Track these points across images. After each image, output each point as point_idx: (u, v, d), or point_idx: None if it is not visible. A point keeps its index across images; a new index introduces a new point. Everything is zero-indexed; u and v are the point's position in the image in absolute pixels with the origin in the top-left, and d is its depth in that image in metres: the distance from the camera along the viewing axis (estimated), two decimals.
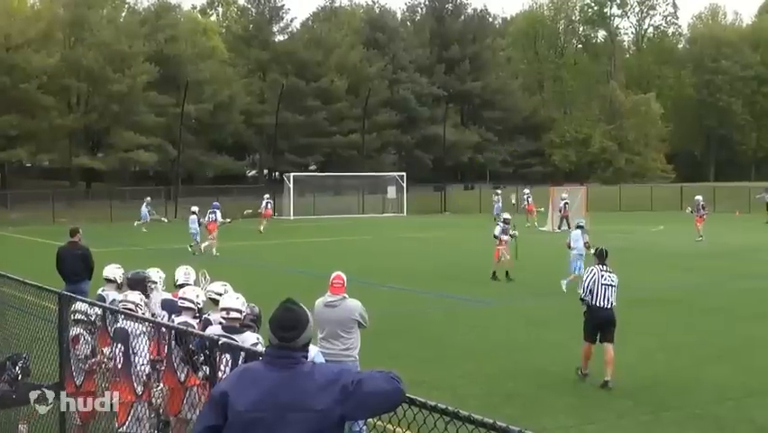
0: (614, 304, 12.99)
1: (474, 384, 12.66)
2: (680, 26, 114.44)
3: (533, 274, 25.35)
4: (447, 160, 77.63)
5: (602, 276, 13.01)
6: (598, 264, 13.28)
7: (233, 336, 7.55)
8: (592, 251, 19.81)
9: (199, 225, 32.86)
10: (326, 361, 9.99)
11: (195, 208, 33.88)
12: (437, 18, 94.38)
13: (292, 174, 61.28)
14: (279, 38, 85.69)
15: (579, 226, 22.20)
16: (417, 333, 16.63)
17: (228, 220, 34.13)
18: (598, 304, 12.91)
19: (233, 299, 8.20)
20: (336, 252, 34.07)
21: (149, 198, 47.55)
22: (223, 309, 8.16)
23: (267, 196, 47.71)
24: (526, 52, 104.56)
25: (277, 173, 74.77)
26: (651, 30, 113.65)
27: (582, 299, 13.19)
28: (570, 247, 21.71)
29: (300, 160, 76.29)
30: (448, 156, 77.82)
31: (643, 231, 43.62)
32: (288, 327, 4.36)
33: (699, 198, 39.45)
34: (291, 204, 58.25)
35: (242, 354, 5.74)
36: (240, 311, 8.06)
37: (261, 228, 43.06)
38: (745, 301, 20.75)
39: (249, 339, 7.64)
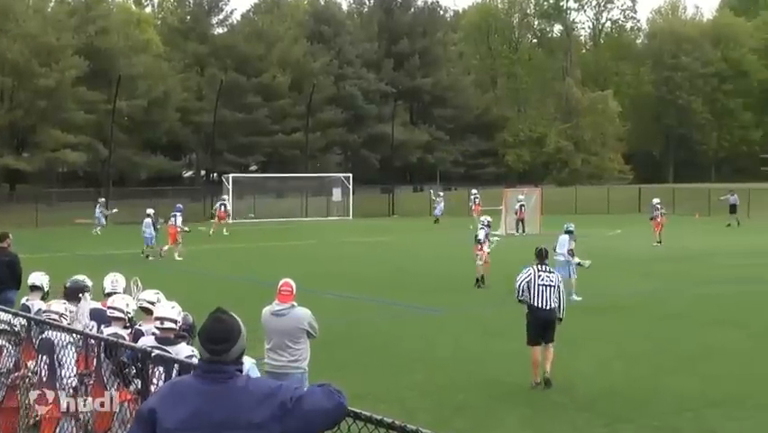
0: (554, 305, 13.36)
1: (423, 396, 12.68)
2: (638, 21, 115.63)
3: (487, 281, 25.49)
4: (395, 160, 77.70)
5: (539, 276, 13.44)
6: (537, 264, 13.70)
7: (167, 348, 7.49)
8: (576, 260, 21.22)
9: (155, 228, 32.94)
10: (274, 374, 9.97)
11: (150, 211, 34.13)
12: (386, 11, 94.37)
13: (231, 175, 60.83)
14: (218, 31, 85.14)
15: (568, 231, 22.32)
16: (363, 343, 16.62)
17: (187, 229, 34.28)
18: (536, 305, 13.32)
19: (168, 309, 8.13)
20: (278, 257, 33.95)
21: (103, 200, 47.37)
22: (156, 319, 8.09)
23: (224, 197, 48.13)
24: (479, 47, 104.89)
25: (215, 174, 74.20)
26: (608, 24, 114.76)
27: (521, 301, 13.59)
28: (554, 251, 21.54)
29: (240, 160, 75.91)
30: (396, 156, 77.89)
31: (599, 235, 43.98)
32: (219, 339, 4.32)
33: (656, 200, 40.03)
34: (230, 207, 57.93)
35: (177, 366, 5.70)
36: (174, 321, 7.99)
37: (211, 232, 43.35)
38: (704, 307, 21.04)
39: (183, 351, 7.58)
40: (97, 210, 45.65)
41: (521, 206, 45.31)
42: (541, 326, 13.36)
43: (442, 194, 56.36)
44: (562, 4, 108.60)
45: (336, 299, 22.17)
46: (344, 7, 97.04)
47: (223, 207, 46.49)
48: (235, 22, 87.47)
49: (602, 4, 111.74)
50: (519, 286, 13.54)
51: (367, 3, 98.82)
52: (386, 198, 69.21)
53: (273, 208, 60.96)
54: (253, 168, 78.83)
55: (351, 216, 61.28)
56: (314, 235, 44.36)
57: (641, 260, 31.52)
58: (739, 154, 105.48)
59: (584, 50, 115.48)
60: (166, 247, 33.12)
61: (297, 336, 10.15)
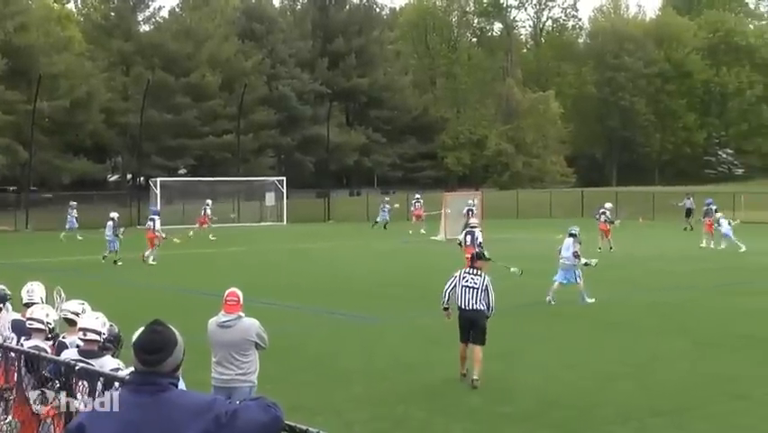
0: (479, 307, 14.10)
1: (361, 408, 12.68)
2: (580, 19, 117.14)
3: (424, 288, 25.57)
4: (331, 163, 77.69)
5: (464, 278, 14.30)
6: (467, 267, 14.70)
7: (91, 361, 7.40)
8: (582, 261, 22.13)
9: (115, 234, 32.98)
10: (221, 388, 9.89)
11: (114, 215, 34.28)
12: (320, 8, 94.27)
13: (159, 179, 60.35)
14: (144, 28, 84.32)
15: (571, 234, 23.20)
16: (299, 353, 16.57)
17: (164, 235, 34.65)
18: (460, 305, 14.21)
19: (92, 319, 8.04)
20: (209, 265, 33.74)
21: (74, 203, 47.11)
22: (80, 330, 7.99)
23: (208, 201, 48.30)
24: (417, 46, 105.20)
25: (142, 178, 73.55)
26: (550, 23, 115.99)
27: (445, 308, 14.57)
28: (559, 254, 22.86)
29: (168, 163, 75.26)
30: (332, 159, 77.87)
31: (541, 239, 44.34)
32: (153, 349, 4.31)
33: (608, 204, 40.75)
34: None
35: (102, 380, 5.64)
36: (99, 333, 7.90)
37: (191, 233, 44.44)
38: (649, 315, 21.31)
39: (108, 364, 7.50)
40: (70, 214, 46.29)
41: (468, 210, 45.51)
42: (465, 325, 14.15)
43: (388, 198, 56.26)
44: (502, 1, 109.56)
45: (270, 309, 22.04)
46: (277, 4, 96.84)
47: (203, 211, 46.77)
48: (162, 19, 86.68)
49: (543, 2, 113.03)
50: (445, 292, 14.53)
51: (300, 0, 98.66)
52: (321, 202, 69.13)
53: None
54: (182, 171, 78.24)
55: (285, 222, 61.12)
56: (246, 242, 44.18)
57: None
58: (682, 156, 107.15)
59: (525, 50, 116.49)
60: (147, 252, 33.49)
61: (244, 347, 10.07)
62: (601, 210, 39.55)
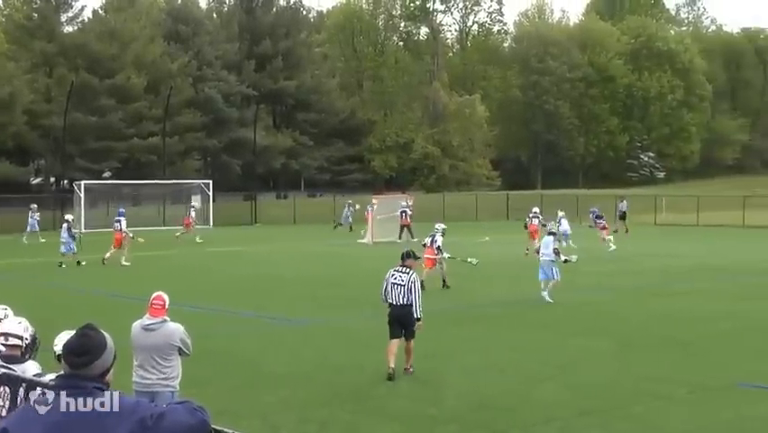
0: (405, 303, 14.57)
1: (287, 411, 12.65)
2: (505, 24, 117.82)
3: (352, 291, 25.62)
4: (258, 166, 77.38)
5: (393, 276, 14.85)
6: (397, 265, 15.09)
7: (13, 367, 7.29)
8: (562, 258, 23.31)
9: (72, 237, 32.78)
10: (142, 392, 9.78)
11: (69, 216, 34.56)
12: (246, 10, 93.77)
13: (83, 182, 59.52)
14: (68, 29, 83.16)
15: (551, 233, 24.65)
16: (226, 357, 16.47)
17: (132, 235, 34.77)
18: (389, 301, 14.79)
19: (15, 324, 7.91)
20: (134, 269, 33.37)
21: (35, 206, 46.73)
22: (1, 335, 7.87)
23: (194, 204, 48.02)
24: (344, 49, 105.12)
25: (66, 181, 72.51)
26: (475, 27, 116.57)
27: (385, 301, 14.97)
28: (538, 253, 24.10)
29: (93, 166, 74.27)
30: (259, 162, 77.57)
31: (467, 242, 44.65)
32: (81, 352, 4.28)
33: (535, 209, 41.41)
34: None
35: (24, 385, 5.56)
36: (21, 337, 7.78)
37: (178, 234, 44.96)
38: (572, 316, 21.56)
39: (30, 369, 7.38)
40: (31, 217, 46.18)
41: (402, 212, 45.64)
42: (394, 321, 14.70)
43: (351, 201, 55.84)
44: (428, 5, 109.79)
45: (196, 312, 21.89)
46: (203, 6, 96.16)
47: (188, 213, 46.72)
48: (86, 19, 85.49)
49: (469, 6, 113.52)
50: (382, 290, 15.03)
51: (227, 2, 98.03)
52: (248, 205, 68.81)
53: (129, 217, 59.74)
54: (107, 174, 77.28)
55: (211, 225, 60.65)
56: (172, 245, 43.79)
57: (509, 267, 32.11)
58: (606, 160, 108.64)
59: (451, 54, 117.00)
60: (108, 254, 33.42)
61: (167, 352, 9.98)
62: (532, 214, 40.21)
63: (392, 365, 14.41)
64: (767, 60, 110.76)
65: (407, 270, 14.91)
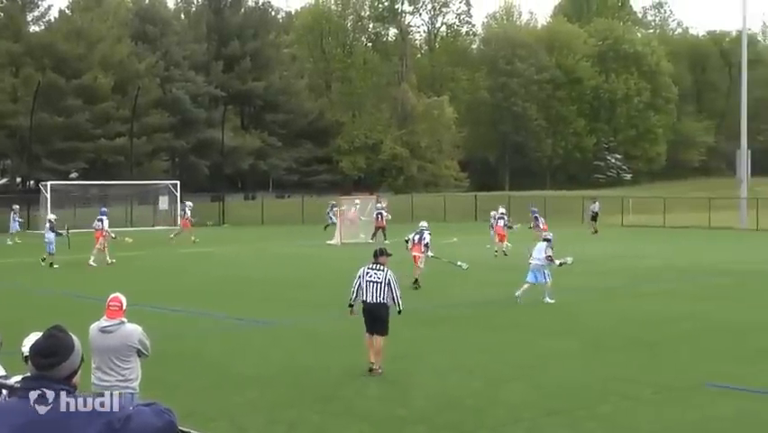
0: (382, 300, 14.92)
1: (255, 413, 12.63)
2: (474, 26, 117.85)
3: (320, 292, 25.61)
4: (226, 167, 77.13)
5: (367, 273, 15.12)
6: (370, 263, 15.31)
7: None
8: (557, 262, 23.59)
9: (57, 234, 33.23)
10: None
11: (51, 216, 34.91)
12: (215, 10, 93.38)
13: (50, 183, 59.07)
14: (34, 28, 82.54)
15: (546, 240, 24.64)
16: (192, 359, 16.43)
17: (114, 235, 35.25)
18: (364, 298, 15.05)
19: None
20: (100, 270, 33.18)
21: (17, 207, 46.78)
22: None
23: (188, 203, 47.62)
24: (312, 50, 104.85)
25: (32, 182, 71.98)
26: (444, 29, 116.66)
27: (351, 305, 15.43)
28: (530, 257, 24.11)
29: (59, 166, 73.71)
30: (227, 163, 77.32)
31: (435, 243, 44.68)
32: (48, 353, 4.26)
33: (501, 209, 41.47)
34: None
35: None
36: None
37: (173, 235, 45.58)
38: (539, 317, 21.66)
39: None
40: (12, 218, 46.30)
41: (378, 214, 45.57)
42: (369, 317, 14.99)
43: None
44: (396, 7, 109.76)
45: (163, 314, 21.84)
46: (171, 6, 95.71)
47: (184, 213, 46.54)
48: (53, 19, 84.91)
49: (437, 8, 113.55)
50: (353, 289, 15.27)
51: (194, 2, 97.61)
52: (216, 206, 68.60)
53: (96, 218, 59.39)
54: (74, 175, 76.76)
55: (178, 226, 60.40)
56: (139, 246, 43.55)
57: (478, 268, 32.17)
58: (573, 161, 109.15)
59: (419, 55, 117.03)
60: (92, 259, 33.71)
61: (126, 354, 9.92)
62: (498, 216, 40.28)
63: (372, 359, 14.88)
64: (732, 63, 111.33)
65: (382, 267, 15.19)
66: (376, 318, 14.95)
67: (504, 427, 12.15)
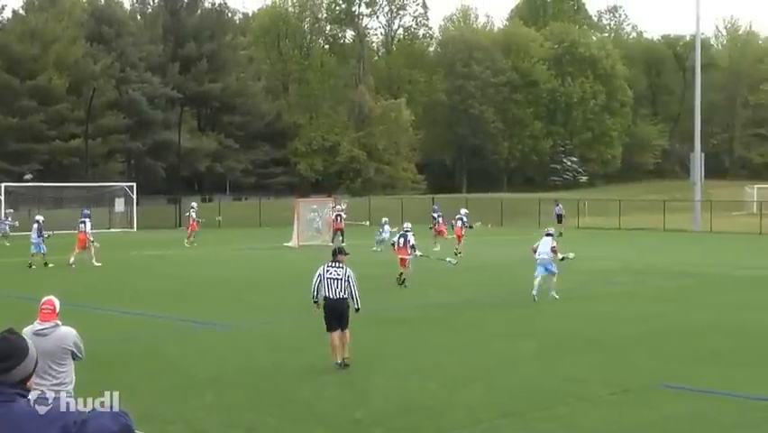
0: (343, 295, 15.48)
1: (213, 416, 12.55)
2: (431, 28, 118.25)
3: (277, 294, 25.54)
4: (183, 168, 76.80)
5: (328, 271, 15.67)
6: (330, 261, 15.85)
7: None
8: (560, 256, 24.22)
9: (41, 236, 33.42)
10: None
11: (39, 218, 35.04)
12: (171, 12, 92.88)
13: (3, 184, 58.50)
14: None
15: (548, 234, 25.55)
16: (149, 362, 16.30)
17: (92, 240, 35.05)
18: (327, 295, 15.53)
19: None
20: (55, 272, 32.88)
21: (11, 210, 46.30)
22: None
23: (193, 204, 47.27)
24: (270, 52, 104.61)
25: None
26: (401, 31, 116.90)
27: (315, 301, 15.73)
28: (535, 252, 25.05)
29: (14, 168, 73.07)
30: (184, 164, 76.99)
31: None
32: (1, 357, 4.19)
33: (463, 211, 41.95)
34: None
35: None
36: None
37: (187, 241, 44.76)
38: (497, 319, 21.71)
39: None
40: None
41: (337, 216, 45.59)
42: (333, 313, 15.47)
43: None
44: (354, 9, 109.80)
45: (118, 316, 21.67)
46: (127, 7, 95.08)
47: (190, 215, 46.07)
48: (6, 19, 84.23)
49: (394, 10, 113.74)
50: (313, 286, 15.72)
51: (151, 3, 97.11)
52: (173, 208, 68.21)
53: (51, 220, 58.89)
54: (29, 177, 76.07)
55: (135, 228, 60.09)
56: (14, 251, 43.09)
57: (435, 271, 32.21)
58: (530, 164, 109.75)
59: (377, 58, 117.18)
60: (71, 259, 33.84)
61: (61, 357, 9.79)
62: (458, 216, 40.75)
63: (338, 360, 15.36)
64: (686, 67, 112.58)
65: (341, 264, 15.76)
66: (340, 314, 15.49)
67: (462, 429, 12.15)
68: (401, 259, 28.27)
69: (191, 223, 46.46)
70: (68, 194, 65.07)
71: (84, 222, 34.80)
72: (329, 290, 15.55)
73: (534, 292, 24.12)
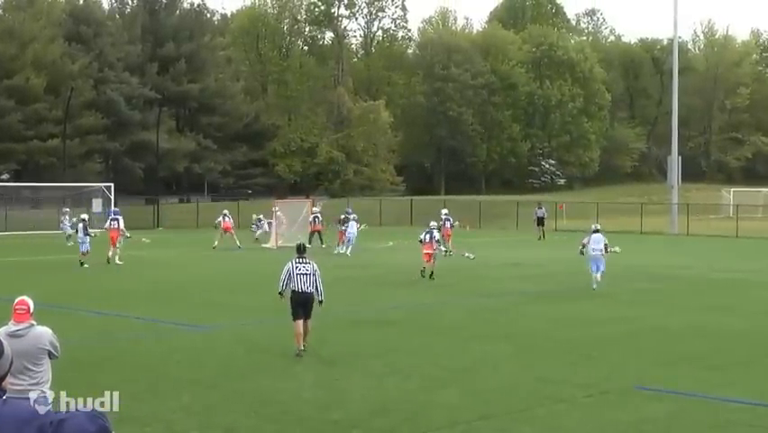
0: (311, 289, 16.86)
1: (190, 417, 12.52)
2: (409, 30, 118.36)
3: (255, 296, 25.51)
4: (161, 169, 76.54)
5: (296, 267, 17.05)
6: (297, 257, 17.22)
7: None
8: (609, 250, 28.24)
9: (87, 234, 33.75)
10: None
11: (84, 216, 35.63)
12: (150, 12, 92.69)
13: None
14: None
15: (597, 231, 28.44)
16: (126, 363, 16.25)
17: (128, 235, 36.60)
18: (295, 288, 16.90)
19: None
20: (32, 273, 32.74)
21: (67, 210, 46.22)
22: None
23: (225, 211, 46.78)
24: (248, 53, 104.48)
25: None
26: (380, 33, 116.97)
27: (281, 293, 17.26)
28: (582, 248, 28.47)
29: None
30: (162, 165, 76.73)
31: (371, 248, 44.81)
32: None
33: (444, 211, 42.39)
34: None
35: None
36: None
37: (215, 243, 44.16)
38: (474, 321, 21.75)
39: None
40: (67, 221, 45.80)
41: (315, 218, 45.53)
42: (299, 304, 16.86)
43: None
44: (333, 11, 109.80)
45: (95, 317, 21.61)
46: (105, 7, 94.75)
47: (226, 218, 45.61)
48: None
49: (374, 12, 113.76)
50: (282, 280, 17.17)
51: (129, 3, 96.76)
52: (151, 209, 68.02)
53: (28, 220, 58.71)
54: (5, 177, 75.71)
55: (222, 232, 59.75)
56: (72, 250, 43.04)
57: (413, 272, 32.26)
58: (508, 166, 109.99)
59: (356, 59, 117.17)
60: (110, 252, 34.87)
61: (37, 356, 9.76)
62: (446, 218, 41.40)
63: (301, 346, 16.61)
64: (664, 70, 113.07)
65: (307, 260, 17.26)
66: (305, 304, 16.89)
67: (439, 430, 12.17)
68: (426, 254, 30.25)
69: (226, 223, 45.61)
70: (46, 194, 64.79)
71: (116, 219, 35.85)
72: (298, 284, 16.92)
73: (594, 286, 27.07)
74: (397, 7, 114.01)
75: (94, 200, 62.84)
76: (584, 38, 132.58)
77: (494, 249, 44.49)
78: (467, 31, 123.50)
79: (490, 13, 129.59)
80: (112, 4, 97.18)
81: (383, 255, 41.34)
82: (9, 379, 9.73)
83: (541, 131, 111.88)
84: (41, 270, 34.06)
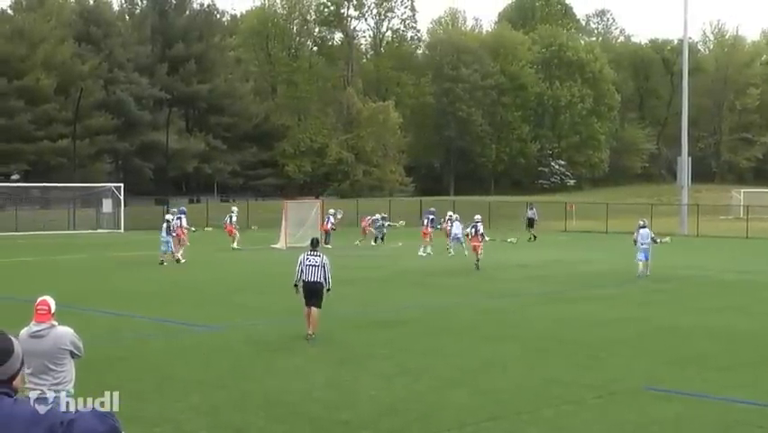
0: (319, 279, 18.33)
1: (199, 418, 12.54)
2: (419, 31, 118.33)
3: (264, 296, 25.53)
4: (170, 170, 76.66)
5: (307, 258, 18.58)
6: (309, 250, 18.80)
7: None
8: (658, 240, 32.91)
9: (170, 234, 35.09)
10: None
11: (169, 216, 36.73)
12: (159, 12, 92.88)
13: None
14: None
15: (643, 226, 31.65)
16: (135, 363, 16.28)
17: (194, 229, 39.00)
18: (305, 279, 18.45)
19: None
20: (43, 273, 32.81)
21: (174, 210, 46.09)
22: None
23: (234, 208, 46.84)
24: (258, 53, 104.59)
25: None
26: (389, 34, 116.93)
27: (296, 285, 18.64)
28: (635, 242, 31.64)
29: (0, 168, 72.93)
30: (171, 166, 76.85)
31: (381, 247, 44.82)
32: None
33: (432, 210, 42.83)
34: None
35: None
36: None
37: (235, 244, 43.64)
38: (486, 321, 21.74)
39: None
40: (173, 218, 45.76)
41: (328, 218, 45.99)
42: (309, 293, 18.41)
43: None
44: (342, 11, 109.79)
45: (106, 317, 21.64)
46: (115, 7, 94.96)
47: (229, 219, 45.22)
48: None
49: (383, 13, 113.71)
50: (297, 272, 18.59)
51: (139, 4, 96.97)
52: (160, 209, 68.02)
53: (38, 220, 58.84)
54: (15, 177, 75.88)
55: (122, 229, 59.87)
56: (82, 250, 43.18)
57: (423, 273, 32.27)
58: (517, 167, 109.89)
59: (365, 60, 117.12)
60: (179, 255, 35.94)
61: (59, 356, 9.79)
62: (448, 218, 42.22)
63: (309, 330, 18.11)
64: (674, 71, 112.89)
65: (318, 253, 18.78)
66: (314, 293, 18.39)
67: (448, 431, 12.17)
68: (474, 246, 33.86)
69: (229, 226, 45.27)
70: (55, 194, 64.92)
71: (180, 218, 37.36)
72: (307, 274, 18.47)
73: (638, 275, 30.64)
74: (406, 8, 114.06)
75: (104, 200, 62.95)
76: (594, 38, 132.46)
77: (502, 250, 44.42)
78: (476, 31, 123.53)
79: (500, 13, 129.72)
80: (122, 5, 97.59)
81: (394, 255, 41.33)
82: (31, 379, 9.84)
83: (550, 131, 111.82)
84: (52, 270, 34.13)
